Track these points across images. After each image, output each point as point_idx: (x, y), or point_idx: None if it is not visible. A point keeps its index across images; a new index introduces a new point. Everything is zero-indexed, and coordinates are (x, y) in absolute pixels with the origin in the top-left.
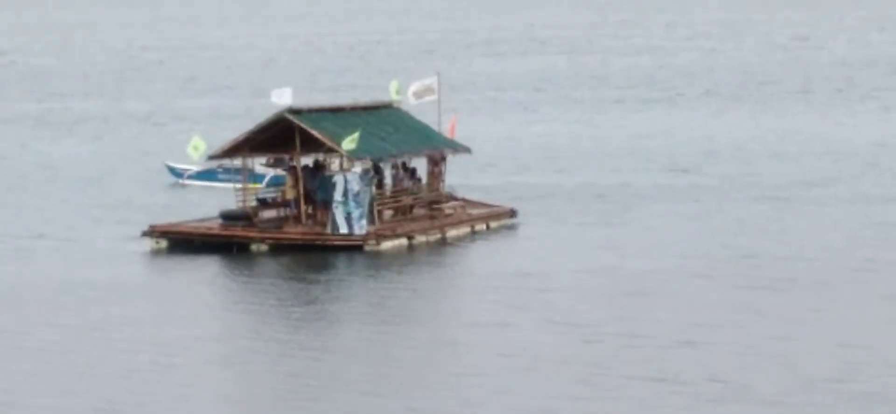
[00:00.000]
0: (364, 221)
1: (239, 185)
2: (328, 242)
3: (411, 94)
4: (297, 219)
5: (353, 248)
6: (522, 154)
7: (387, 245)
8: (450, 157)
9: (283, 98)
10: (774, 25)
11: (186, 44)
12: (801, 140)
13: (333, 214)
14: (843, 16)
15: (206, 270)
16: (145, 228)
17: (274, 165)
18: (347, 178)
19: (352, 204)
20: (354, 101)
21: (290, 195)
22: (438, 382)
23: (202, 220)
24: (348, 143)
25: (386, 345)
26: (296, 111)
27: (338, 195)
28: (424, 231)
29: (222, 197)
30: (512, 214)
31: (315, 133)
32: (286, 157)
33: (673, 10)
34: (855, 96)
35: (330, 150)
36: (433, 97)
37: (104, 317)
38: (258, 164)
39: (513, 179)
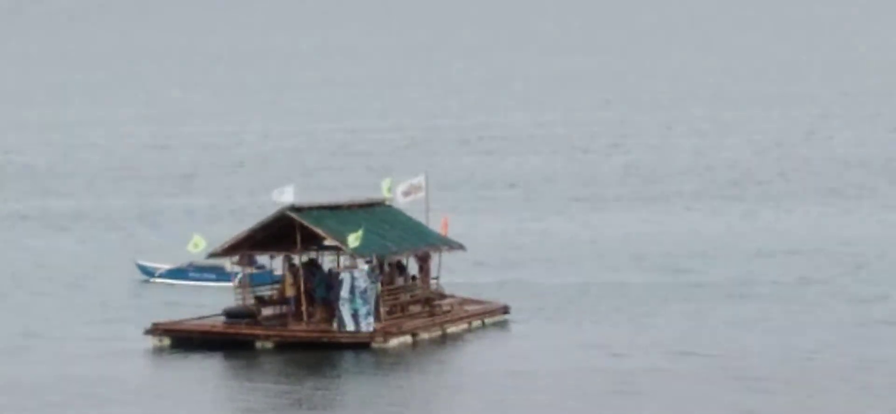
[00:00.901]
0: (371, 318)
1: (235, 283)
2: (334, 340)
3: (400, 193)
4: (296, 316)
5: (359, 345)
6: (513, 251)
7: (393, 342)
8: (444, 254)
9: (284, 196)
10: (770, 123)
11: (183, 140)
12: (793, 239)
13: (340, 312)
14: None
15: (211, 369)
16: (148, 326)
17: (245, 264)
18: (354, 275)
19: (359, 301)
20: (351, 199)
21: (289, 292)
22: None
23: (202, 318)
24: (353, 241)
25: None
26: (297, 209)
27: (344, 293)
28: (426, 328)
29: (215, 296)
30: (505, 310)
31: (319, 231)
32: (263, 256)
33: (668, 108)
34: (849, 195)
35: (327, 248)
36: (421, 195)
37: None
38: (228, 262)
39: (503, 276)
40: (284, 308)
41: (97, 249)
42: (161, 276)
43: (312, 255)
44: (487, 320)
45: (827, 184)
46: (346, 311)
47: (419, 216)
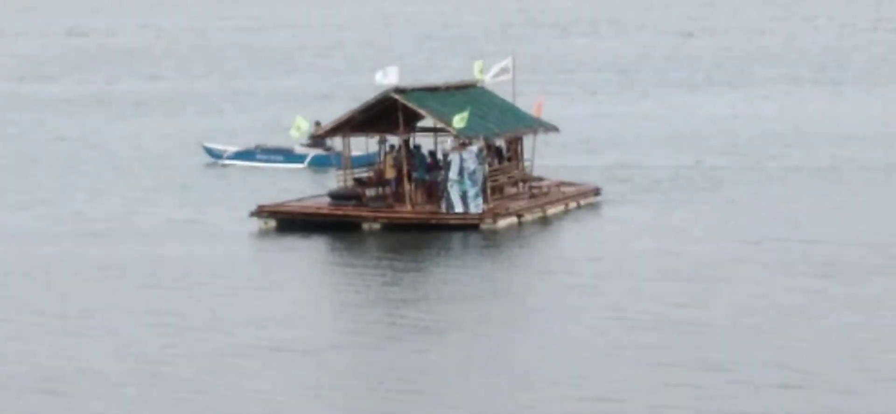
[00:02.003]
0: (480, 200)
1: (277, 165)
2: (443, 222)
3: (488, 76)
4: (397, 198)
5: (468, 227)
6: (601, 133)
7: (502, 223)
8: (540, 136)
9: (388, 77)
10: (856, 7)
11: (258, 24)
12: (884, 123)
13: (448, 193)
14: None
15: (319, 250)
16: (253, 207)
17: (314, 145)
18: (463, 156)
19: (467, 182)
20: (447, 82)
21: (389, 175)
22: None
23: (300, 199)
24: (458, 122)
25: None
26: (401, 91)
27: (453, 174)
28: (530, 209)
29: (269, 177)
30: (597, 192)
31: (423, 111)
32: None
33: None
34: None
35: (427, 130)
36: (508, 77)
37: (218, 293)
38: (297, 145)
39: (591, 159)
40: (385, 190)
41: (176, 131)
42: (228, 158)
43: (410, 136)
44: (582, 202)
45: None
46: (454, 192)
47: (507, 98)
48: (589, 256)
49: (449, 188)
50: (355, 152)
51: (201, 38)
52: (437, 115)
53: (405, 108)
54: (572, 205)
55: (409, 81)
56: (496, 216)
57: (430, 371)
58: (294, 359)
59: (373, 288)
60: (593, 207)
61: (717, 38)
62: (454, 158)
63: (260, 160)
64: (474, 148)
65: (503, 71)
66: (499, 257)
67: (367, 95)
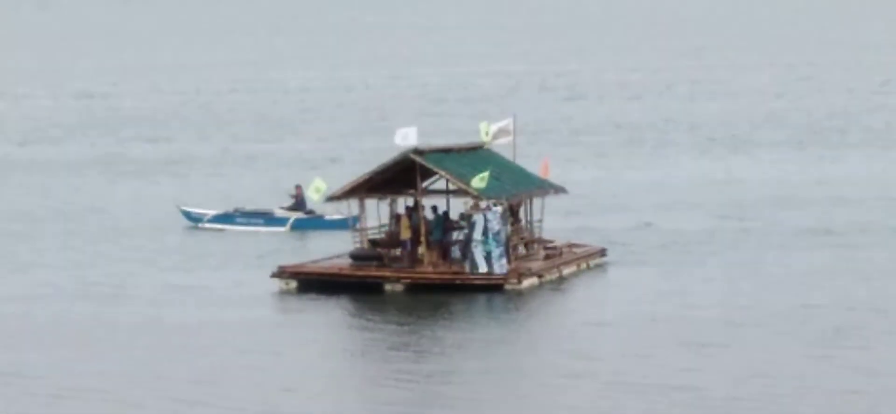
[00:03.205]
0: (504, 260)
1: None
2: (467, 281)
3: (483, 134)
4: (411, 259)
5: (492, 288)
6: (598, 196)
7: (526, 283)
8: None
9: (408, 139)
10: (857, 72)
11: (265, 85)
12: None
13: (472, 254)
14: None
15: (342, 312)
16: (274, 269)
17: (295, 208)
18: (488, 217)
19: (492, 243)
20: (457, 143)
21: (404, 236)
22: None
23: (316, 261)
24: (478, 183)
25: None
26: (420, 152)
27: (477, 234)
28: (548, 270)
29: (252, 241)
30: (603, 253)
31: (442, 173)
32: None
33: (756, 51)
34: None
35: (445, 191)
36: (509, 139)
37: (242, 355)
38: (277, 207)
39: (587, 221)
40: (401, 251)
41: (153, 195)
42: (208, 222)
43: (415, 198)
44: (590, 263)
45: None
46: (478, 252)
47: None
48: (600, 320)
49: (473, 249)
50: (335, 216)
51: (208, 100)
52: (456, 177)
53: (423, 169)
54: (583, 266)
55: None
56: (521, 277)
57: None
58: None
59: (397, 355)
60: (600, 267)
61: (720, 102)
62: (478, 219)
63: (240, 224)
64: (499, 209)
65: (503, 132)
66: (525, 322)
67: (371, 157)
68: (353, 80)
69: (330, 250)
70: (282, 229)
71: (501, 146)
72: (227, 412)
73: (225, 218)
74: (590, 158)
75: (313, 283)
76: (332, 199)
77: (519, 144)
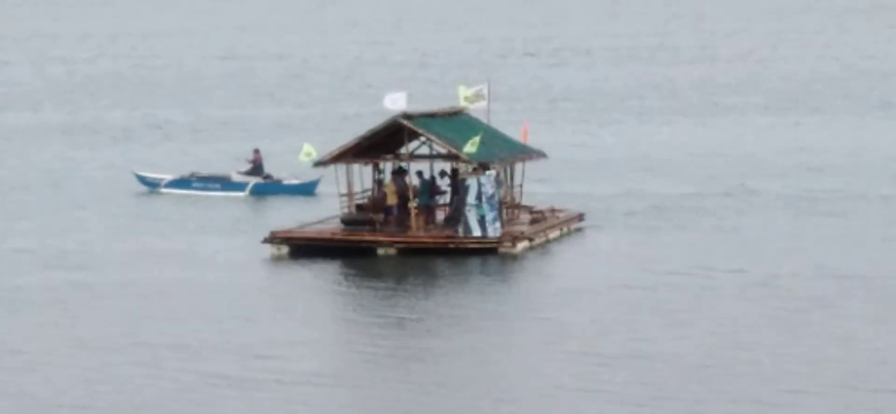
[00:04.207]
0: (498, 224)
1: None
2: (461, 245)
3: (462, 99)
4: (398, 223)
5: (486, 251)
6: (572, 161)
7: (520, 247)
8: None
9: (397, 103)
10: (840, 37)
11: (245, 54)
12: (852, 151)
13: (466, 217)
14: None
15: (335, 275)
16: (266, 234)
17: (252, 173)
18: (481, 181)
19: (486, 207)
20: (439, 108)
21: (391, 201)
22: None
23: (305, 224)
24: (469, 147)
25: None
26: (409, 116)
27: (470, 198)
28: (537, 234)
29: (207, 205)
30: (581, 217)
31: (432, 137)
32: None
33: (732, 19)
34: None
35: (429, 156)
36: (483, 103)
37: (234, 320)
38: (234, 172)
39: (561, 187)
40: (387, 216)
41: (114, 161)
42: (165, 187)
43: (401, 163)
44: (572, 226)
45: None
46: (472, 216)
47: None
48: (585, 287)
49: (467, 213)
50: (294, 180)
51: (188, 67)
52: (446, 141)
53: (413, 133)
54: (564, 230)
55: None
56: (515, 240)
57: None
58: (310, 388)
59: (399, 315)
60: (579, 232)
61: (700, 68)
62: (472, 183)
63: (197, 189)
64: (492, 173)
65: (478, 96)
66: (520, 288)
67: (348, 123)
68: (332, 46)
69: (292, 215)
70: (240, 194)
71: (476, 110)
72: (220, 368)
73: (181, 183)
74: (566, 124)
75: (305, 248)
76: (319, 164)
77: (494, 109)
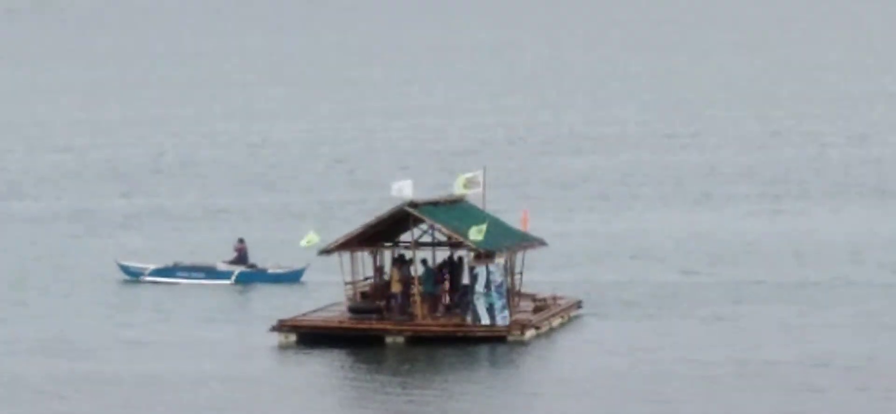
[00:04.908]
0: (506, 312)
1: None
2: (469, 333)
3: (459, 186)
4: (401, 312)
5: (494, 339)
6: (566, 249)
7: (528, 335)
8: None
9: (403, 191)
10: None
11: (237, 139)
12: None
13: (474, 306)
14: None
15: (344, 364)
16: (274, 322)
17: (237, 262)
18: (490, 269)
19: (494, 295)
20: (440, 196)
21: (395, 288)
22: None
23: (307, 312)
24: (476, 235)
25: None
26: (415, 205)
27: (479, 286)
28: (543, 321)
29: (191, 293)
30: (579, 304)
31: (437, 225)
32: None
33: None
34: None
35: (432, 244)
36: (478, 189)
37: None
38: (219, 262)
39: (553, 274)
40: (390, 302)
41: (101, 250)
42: (149, 275)
43: (403, 251)
44: (570, 314)
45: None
46: (481, 305)
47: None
48: (585, 375)
49: (475, 301)
50: (278, 269)
51: (181, 154)
52: (452, 229)
53: (418, 221)
54: (565, 317)
55: (388, 196)
56: (524, 328)
57: None
58: None
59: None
60: (578, 319)
61: (699, 155)
62: (480, 271)
63: (181, 277)
64: (501, 261)
65: (473, 182)
66: (526, 374)
67: (341, 211)
68: (325, 134)
69: (277, 304)
70: (226, 282)
71: (471, 197)
72: None
73: (165, 272)
74: (560, 211)
75: (313, 336)
76: (324, 252)
77: (490, 197)
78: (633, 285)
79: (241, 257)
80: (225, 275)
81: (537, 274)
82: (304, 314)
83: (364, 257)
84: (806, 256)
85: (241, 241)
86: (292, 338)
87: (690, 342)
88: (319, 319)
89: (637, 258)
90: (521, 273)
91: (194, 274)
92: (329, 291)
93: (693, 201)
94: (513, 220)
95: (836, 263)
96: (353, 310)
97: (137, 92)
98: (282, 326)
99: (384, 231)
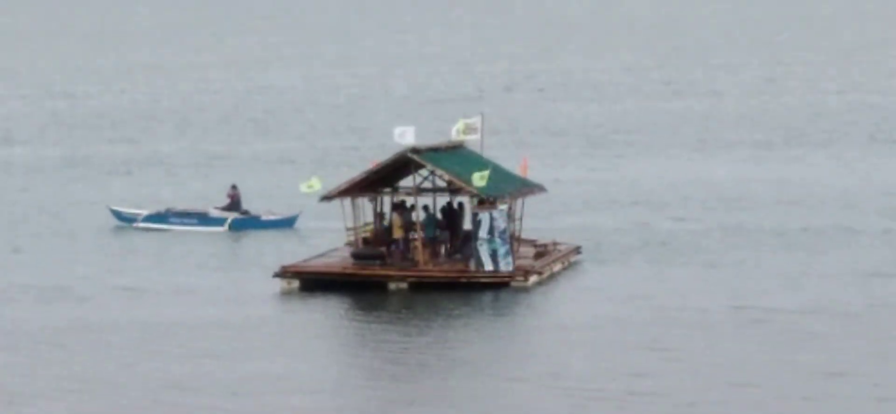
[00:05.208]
0: (510, 258)
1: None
2: (473, 279)
3: (454, 132)
4: (403, 258)
5: (498, 285)
6: (566, 195)
7: (532, 280)
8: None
9: (405, 137)
10: (828, 74)
11: (238, 88)
12: (846, 187)
13: (478, 252)
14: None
15: (347, 310)
16: (276, 269)
17: (230, 208)
18: (494, 215)
19: (498, 241)
20: (441, 142)
21: (397, 234)
22: None
23: (308, 258)
24: (479, 181)
25: None
26: (417, 150)
27: (483, 232)
28: (545, 267)
29: (185, 239)
30: (578, 250)
31: (440, 171)
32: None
33: (724, 54)
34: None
35: (433, 189)
36: (476, 136)
37: (240, 356)
38: (212, 208)
39: (555, 220)
40: (391, 249)
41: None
42: (142, 222)
43: (404, 198)
44: (571, 259)
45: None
46: (484, 251)
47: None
48: (584, 322)
49: (479, 247)
50: (272, 216)
51: (180, 100)
52: (455, 175)
53: (416, 167)
54: (565, 263)
55: (384, 143)
56: (527, 274)
57: None
58: None
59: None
60: (577, 265)
61: (696, 101)
62: (484, 217)
63: (173, 224)
64: (504, 207)
65: (471, 129)
66: (528, 320)
67: (339, 157)
68: (325, 81)
69: (272, 251)
70: (219, 229)
71: (468, 144)
72: (231, 405)
73: (158, 218)
74: (558, 157)
75: (316, 282)
76: (326, 198)
77: (488, 143)
78: (631, 232)
79: (234, 204)
80: (218, 222)
81: (536, 220)
82: (306, 260)
83: (364, 204)
84: (804, 203)
85: (234, 187)
86: (295, 284)
87: (689, 289)
88: (323, 265)
89: (635, 205)
90: (520, 219)
91: (187, 220)
92: (323, 238)
93: (691, 148)
94: (511, 167)
95: (834, 210)
96: (356, 256)
97: (133, 39)
98: (285, 273)
99: (385, 177)
